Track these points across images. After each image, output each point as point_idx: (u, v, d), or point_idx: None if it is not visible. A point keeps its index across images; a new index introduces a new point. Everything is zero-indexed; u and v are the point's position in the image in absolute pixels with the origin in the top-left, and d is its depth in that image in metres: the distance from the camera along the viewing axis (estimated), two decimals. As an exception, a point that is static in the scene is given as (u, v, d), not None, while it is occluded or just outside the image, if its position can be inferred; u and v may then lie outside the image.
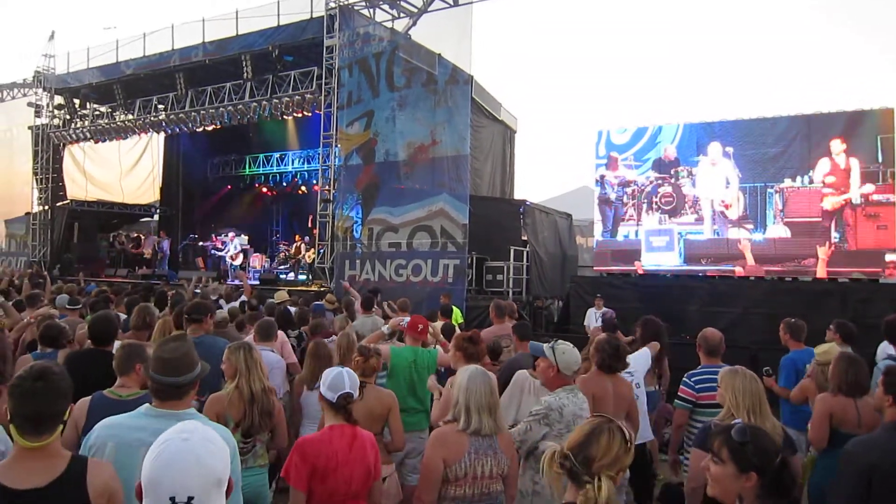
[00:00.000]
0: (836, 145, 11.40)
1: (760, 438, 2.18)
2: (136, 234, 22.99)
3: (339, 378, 3.11)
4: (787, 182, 11.75)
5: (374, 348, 4.36)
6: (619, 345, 4.44)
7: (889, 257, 10.92)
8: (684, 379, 4.56)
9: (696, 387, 4.44)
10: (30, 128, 21.91)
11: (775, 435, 3.32)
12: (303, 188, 22.30)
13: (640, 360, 5.25)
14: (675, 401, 4.55)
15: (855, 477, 2.91)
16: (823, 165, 11.50)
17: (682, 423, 4.50)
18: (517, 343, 6.08)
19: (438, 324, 7.63)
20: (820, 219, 11.49)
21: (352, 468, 2.99)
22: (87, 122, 20.50)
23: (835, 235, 11.36)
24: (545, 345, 3.73)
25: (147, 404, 2.66)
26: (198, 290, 10.70)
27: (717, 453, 2.18)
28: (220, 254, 20.58)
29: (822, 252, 11.34)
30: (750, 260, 11.93)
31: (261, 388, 3.70)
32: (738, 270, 12.06)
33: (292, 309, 8.14)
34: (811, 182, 11.57)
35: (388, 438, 4.07)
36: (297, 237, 19.76)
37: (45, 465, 2.08)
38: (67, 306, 6.98)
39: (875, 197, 11.12)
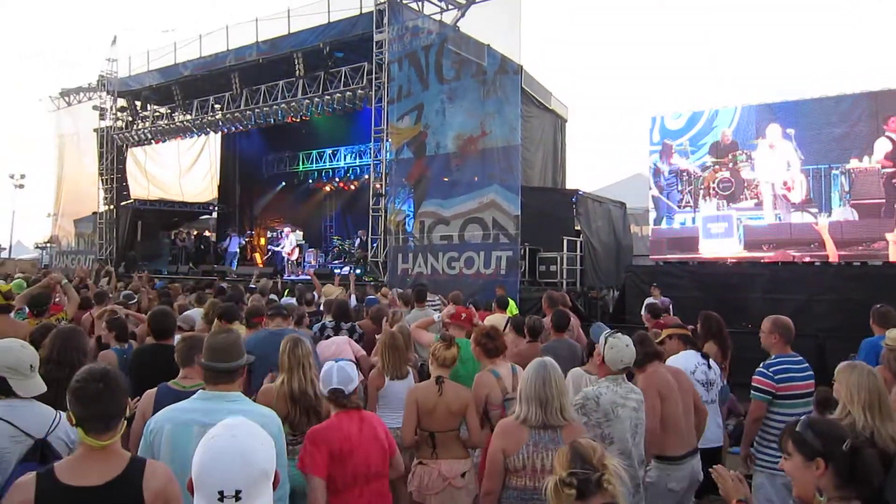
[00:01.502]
0: (894, 123, 10.88)
1: (822, 425, 2.19)
2: (199, 232, 23.71)
3: (328, 373, 3.19)
4: (854, 162, 11.26)
5: (453, 337, 4.31)
6: (643, 334, 4.37)
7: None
8: (761, 369, 4.32)
9: (776, 377, 4.22)
10: (95, 130, 22.75)
11: (894, 434, 3.16)
12: (355, 183, 22.57)
13: (680, 362, 4.73)
14: (752, 392, 4.32)
15: None
16: (884, 144, 10.98)
17: (760, 415, 4.27)
18: (553, 333, 6.01)
19: (496, 316, 7.62)
20: (883, 200, 11.00)
21: (367, 448, 3.09)
22: (147, 124, 21.22)
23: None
24: (603, 332, 3.71)
25: (201, 390, 2.86)
26: (253, 286, 10.95)
27: (785, 449, 2.20)
28: (276, 249, 21.02)
29: (893, 236, 10.83)
30: (830, 244, 11.42)
31: (302, 387, 3.68)
32: (805, 257, 11.61)
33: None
34: (877, 162, 11.07)
35: (466, 435, 4.05)
36: (361, 232, 19.89)
37: (105, 465, 2.15)
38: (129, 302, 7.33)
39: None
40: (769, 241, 12.01)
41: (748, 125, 12.32)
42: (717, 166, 12.54)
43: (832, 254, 11.44)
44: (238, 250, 21.76)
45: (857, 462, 2.06)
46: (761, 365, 4.35)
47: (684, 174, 12.92)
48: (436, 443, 3.88)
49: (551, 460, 2.95)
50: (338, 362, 3.29)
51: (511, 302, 9.79)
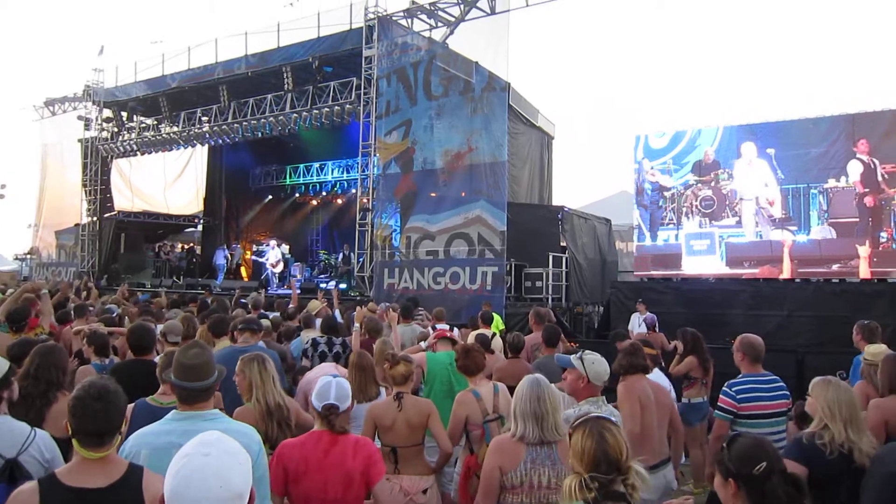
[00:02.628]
0: (863, 145, 11.19)
1: (741, 445, 2.17)
2: (188, 245, 23.55)
3: (326, 388, 3.15)
4: (831, 182, 11.51)
5: (404, 355, 4.29)
6: (637, 345, 4.41)
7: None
8: (724, 389, 4.33)
9: (738, 397, 4.21)
10: (79, 141, 22.61)
11: (872, 451, 3.16)
12: (342, 197, 22.57)
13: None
14: (716, 411, 4.36)
15: (879, 482, 2.84)
16: (856, 165, 11.27)
17: (723, 434, 4.25)
18: (544, 349, 6.05)
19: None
20: (858, 219, 11.25)
21: (326, 474, 2.99)
22: (133, 135, 21.09)
23: (882, 236, 11.06)
24: (573, 356, 3.69)
25: (174, 409, 2.79)
26: (244, 301, 10.87)
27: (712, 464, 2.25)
28: (261, 261, 20.94)
29: (864, 251, 11.07)
30: (786, 262, 11.68)
31: (277, 400, 3.64)
32: (772, 272, 11.84)
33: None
34: (852, 183, 11.33)
35: (431, 460, 4.04)
36: (346, 246, 19.88)
37: (104, 470, 2.20)
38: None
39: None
40: (750, 259, 12.17)
41: (730, 145, 12.52)
42: (699, 184, 12.71)
43: (787, 271, 11.68)
44: (224, 262, 21.58)
45: (767, 486, 2.04)
46: (726, 384, 4.35)
47: (667, 191, 13.08)
48: (398, 458, 3.88)
49: (548, 476, 3.01)
50: (336, 378, 3.24)
51: (497, 317, 9.83)
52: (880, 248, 11.04)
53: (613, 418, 3.58)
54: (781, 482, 2.08)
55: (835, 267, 11.42)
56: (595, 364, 3.60)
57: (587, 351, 3.73)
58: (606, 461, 1.97)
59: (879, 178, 11.05)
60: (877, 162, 11.09)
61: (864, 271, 11.09)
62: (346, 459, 3.04)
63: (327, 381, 3.20)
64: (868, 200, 11.15)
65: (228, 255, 21.80)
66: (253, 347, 4.83)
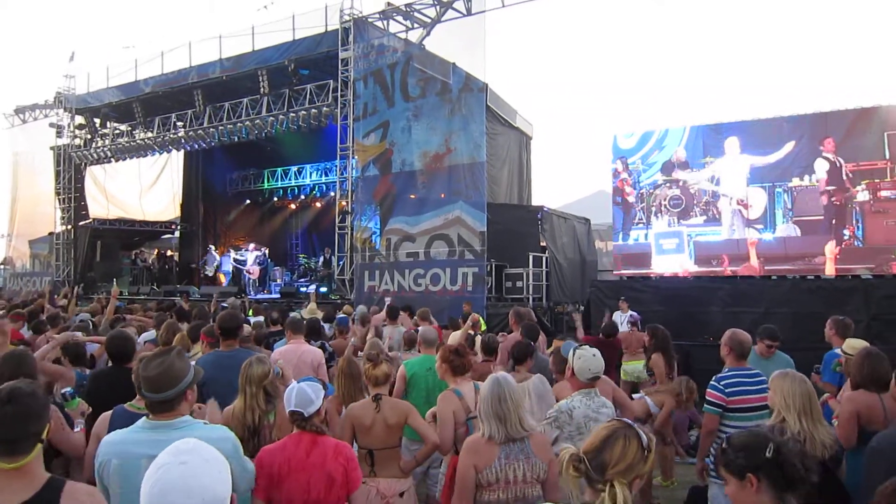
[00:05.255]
0: (830, 144, 11.36)
1: (740, 438, 2.14)
2: (160, 251, 23.27)
3: (288, 395, 3.15)
4: (795, 181, 11.68)
5: (385, 355, 4.32)
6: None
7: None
8: (713, 383, 4.37)
9: (727, 390, 4.27)
10: (52, 148, 22.29)
11: (828, 439, 3.24)
12: (321, 200, 22.47)
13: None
14: (705, 405, 4.39)
15: (884, 473, 2.86)
16: (822, 164, 11.44)
17: (713, 428, 4.33)
18: None
19: (460, 333, 7.70)
20: (822, 217, 11.43)
21: (309, 475, 2.99)
22: (107, 141, 20.84)
23: (845, 233, 11.24)
24: (572, 347, 3.81)
25: (143, 418, 2.74)
26: (225, 305, 10.76)
27: (721, 476, 2.15)
28: (240, 268, 20.78)
29: (830, 250, 11.24)
30: (753, 260, 11.83)
31: (249, 405, 3.63)
32: (739, 270, 11.99)
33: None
34: (817, 181, 11.51)
35: (405, 458, 4.04)
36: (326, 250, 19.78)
37: (20, 484, 2.00)
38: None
39: (883, 193, 10.99)
40: (718, 257, 12.28)
41: (696, 144, 12.65)
42: (668, 184, 12.82)
43: (755, 270, 11.81)
44: (230, 268, 21.12)
45: (785, 463, 2.00)
46: (714, 378, 4.41)
47: (638, 190, 13.17)
48: (374, 460, 3.89)
49: (523, 471, 3.06)
50: (300, 383, 3.21)
51: (480, 318, 9.84)
52: (843, 246, 11.23)
53: (606, 409, 3.65)
54: (794, 454, 2.05)
55: (799, 264, 11.60)
56: (581, 360, 3.69)
57: (585, 346, 3.83)
58: (599, 459, 1.95)
59: (844, 178, 11.23)
60: (842, 161, 11.27)
61: (830, 269, 11.27)
62: (326, 460, 3.04)
63: (290, 388, 3.19)
64: (832, 198, 11.34)
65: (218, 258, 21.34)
66: (240, 352, 4.79)
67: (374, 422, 3.90)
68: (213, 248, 22.11)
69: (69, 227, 21.79)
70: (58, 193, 21.92)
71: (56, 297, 13.25)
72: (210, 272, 21.26)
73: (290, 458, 3.02)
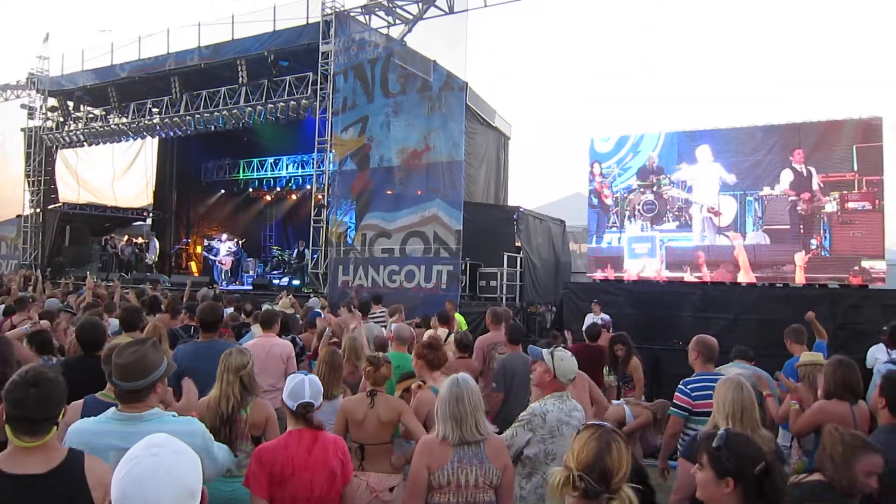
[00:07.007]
0: (799, 155, 11.58)
1: (739, 444, 2.18)
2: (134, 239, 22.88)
3: (299, 386, 3.12)
4: (766, 190, 11.89)
5: (384, 356, 4.30)
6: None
7: (866, 264, 11.01)
8: (680, 386, 4.45)
9: (693, 394, 4.33)
10: (22, 130, 21.84)
11: (763, 444, 3.35)
12: (296, 193, 22.29)
13: None
14: (671, 408, 4.47)
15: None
16: (788, 174, 11.67)
17: (677, 430, 4.40)
18: (507, 346, 6.23)
19: (440, 332, 7.76)
20: (789, 226, 11.65)
21: (312, 472, 2.99)
22: (80, 125, 20.43)
23: (812, 243, 11.47)
24: (544, 350, 3.75)
25: (112, 408, 2.72)
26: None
27: (699, 460, 2.22)
28: (212, 258, 20.55)
29: (800, 259, 11.47)
30: (745, 265, 11.96)
31: (224, 393, 3.62)
32: (725, 275, 12.16)
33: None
34: (782, 192, 11.72)
35: (397, 453, 4.06)
36: (301, 242, 19.61)
37: (42, 457, 2.16)
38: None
39: (851, 205, 11.23)
40: (690, 262, 12.44)
41: (671, 151, 12.81)
42: (641, 189, 12.96)
43: (747, 276, 11.99)
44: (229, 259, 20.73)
45: (765, 483, 2.10)
46: (681, 382, 4.48)
47: (612, 194, 13.29)
48: (364, 455, 3.92)
49: (475, 476, 3.01)
50: (307, 375, 3.20)
51: (459, 317, 9.89)
52: (811, 254, 11.46)
53: (577, 412, 3.67)
54: (778, 479, 2.14)
55: (769, 272, 11.81)
56: (563, 361, 3.66)
57: (560, 347, 3.81)
58: (599, 470, 1.88)
59: (816, 187, 11.44)
60: (813, 171, 11.47)
61: (800, 277, 11.50)
62: (328, 457, 3.05)
63: (300, 380, 3.15)
64: (800, 208, 11.56)
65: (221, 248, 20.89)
66: (217, 343, 4.76)
67: (367, 417, 3.93)
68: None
69: (38, 210, 21.38)
70: (27, 176, 21.50)
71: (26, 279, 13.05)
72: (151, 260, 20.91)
73: (293, 457, 2.99)
